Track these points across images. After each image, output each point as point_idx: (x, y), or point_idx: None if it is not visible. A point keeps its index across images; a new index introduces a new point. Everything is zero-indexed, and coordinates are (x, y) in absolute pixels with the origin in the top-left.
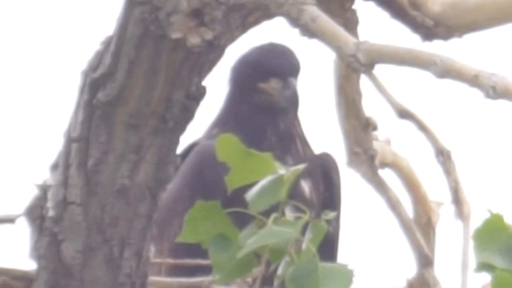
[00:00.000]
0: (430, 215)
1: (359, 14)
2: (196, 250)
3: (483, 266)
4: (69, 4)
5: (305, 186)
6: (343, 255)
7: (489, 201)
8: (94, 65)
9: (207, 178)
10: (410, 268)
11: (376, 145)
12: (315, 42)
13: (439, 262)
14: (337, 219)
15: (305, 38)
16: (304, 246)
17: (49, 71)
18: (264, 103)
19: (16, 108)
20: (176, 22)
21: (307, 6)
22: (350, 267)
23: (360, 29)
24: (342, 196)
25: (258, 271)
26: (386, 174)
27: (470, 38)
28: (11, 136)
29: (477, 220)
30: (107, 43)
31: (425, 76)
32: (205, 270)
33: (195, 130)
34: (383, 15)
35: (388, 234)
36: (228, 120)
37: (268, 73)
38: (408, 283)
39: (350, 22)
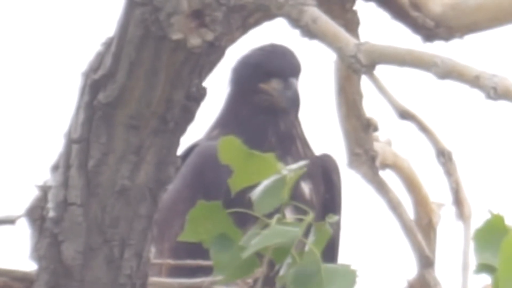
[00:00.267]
0: (431, 216)
1: (360, 15)
2: (197, 250)
3: (484, 267)
4: (69, 5)
5: (305, 188)
6: (344, 257)
7: (490, 202)
8: (95, 66)
9: (207, 179)
10: (411, 269)
11: (377, 146)
12: (315, 43)
13: (440, 263)
14: (337, 220)
15: (306, 39)
16: (307, 248)
17: (49, 72)
18: (264, 103)
19: (17, 109)
20: (176, 23)
21: (307, 7)
22: (353, 267)
23: (361, 30)
24: (342, 198)
25: (259, 271)
26: (387, 175)
27: (471, 39)
28: (11, 137)
29: (477, 221)
30: (107, 44)
31: (426, 77)
32: (206, 270)
33: (195, 131)
34: (384, 16)
35: (389, 235)
36: (229, 121)
37: (269, 74)
38: (408, 284)
39: (351, 23)
